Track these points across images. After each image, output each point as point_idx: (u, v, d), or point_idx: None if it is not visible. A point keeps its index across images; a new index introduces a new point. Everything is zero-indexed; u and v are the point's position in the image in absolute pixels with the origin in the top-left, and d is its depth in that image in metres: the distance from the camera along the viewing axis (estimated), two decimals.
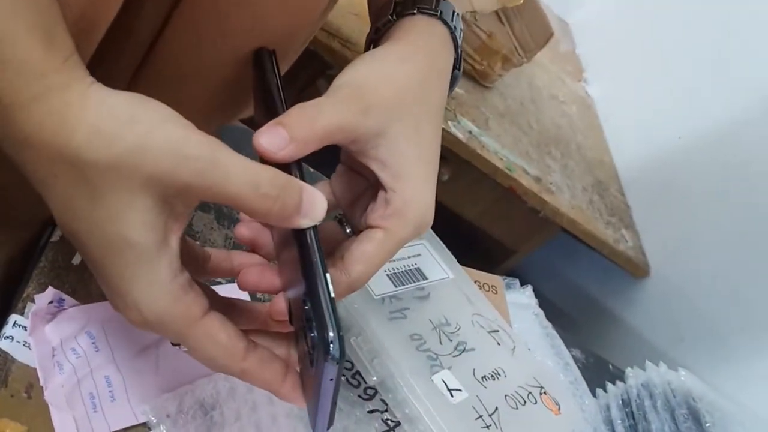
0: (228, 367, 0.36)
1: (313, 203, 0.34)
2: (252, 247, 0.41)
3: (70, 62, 0.32)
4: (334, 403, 0.35)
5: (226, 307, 0.39)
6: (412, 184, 0.40)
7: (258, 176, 0.32)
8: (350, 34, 1.04)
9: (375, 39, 0.47)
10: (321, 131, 0.36)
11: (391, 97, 0.40)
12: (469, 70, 1.32)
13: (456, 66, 0.47)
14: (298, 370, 0.39)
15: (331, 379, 0.33)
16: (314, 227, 0.35)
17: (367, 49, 0.48)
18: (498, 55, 1.29)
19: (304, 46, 0.55)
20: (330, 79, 1.28)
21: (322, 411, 0.35)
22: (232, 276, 0.41)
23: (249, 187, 0.32)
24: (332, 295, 0.34)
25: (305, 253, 0.34)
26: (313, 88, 1.21)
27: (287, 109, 0.37)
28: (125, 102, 0.32)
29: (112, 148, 0.30)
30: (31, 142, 0.31)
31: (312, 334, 0.33)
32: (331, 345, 0.32)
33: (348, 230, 0.43)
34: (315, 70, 1.17)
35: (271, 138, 0.35)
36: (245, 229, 0.40)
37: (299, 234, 0.35)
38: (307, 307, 0.33)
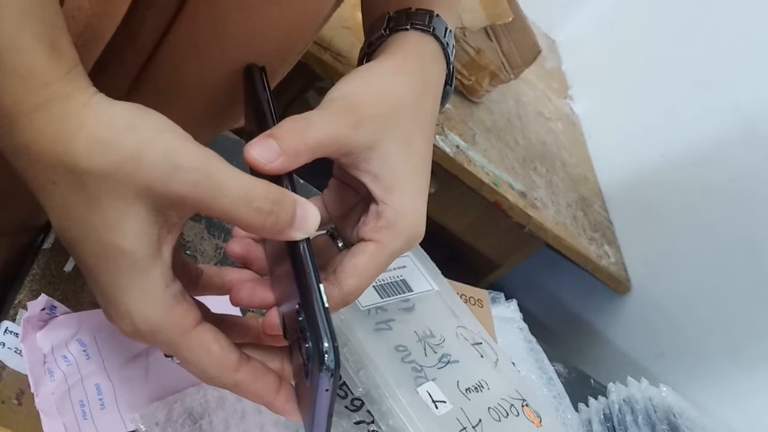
0: (220, 379, 0.36)
1: (305, 216, 0.35)
2: (244, 263, 0.42)
3: (74, 73, 0.32)
4: (330, 415, 0.35)
5: (218, 322, 0.39)
6: (403, 197, 0.41)
7: (252, 190, 0.33)
8: (341, 47, 1.05)
9: (368, 53, 0.48)
10: (312, 144, 0.37)
11: (384, 111, 0.40)
12: (457, 85, 1.33)
13: (448, 82, 0.48)
14: (293, 384, 0.39)
15: (327, 390, 0.33)
16: (307, 239, 0.36)
17: (360, 62, 0.49)
18: (486, 71, 1.30)
19: (298, 59, 0.56)
20: (320, 91, 1.29)
21: (318, 423, 0.35)
22: (223, 293, 0.41)
23: (242, 202, 0.32)
24: (326, 305, 0.34)
25: (298, 265, 0.35)
26: (303, 99, 1.22)
27: (278, 123, 0.37)
28: (125, 111, 0.32)
29: (109, 156, 0.31)
30: (31, 149, 0.31)
31: (307, 345, 0.33)
32: (326, 355, 0.32)
33: (340, 244, 0.44)
34: (305, 82, 1.18)
35: (262, 150, 0.35)
36: (237, 246, 0.41)
37: (292, 246, 0.35)
38: (301, 318, 0.34)
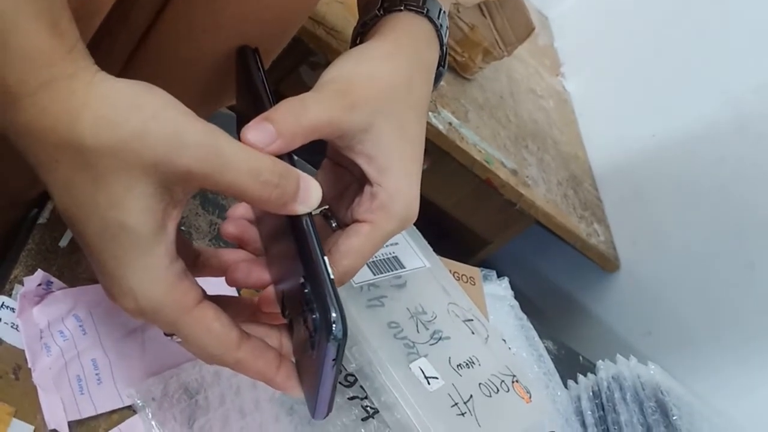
0: (222, 357, 0.36)
1: (308, 190, 0.35)
2: (239, 244, 0.42)
3: (76, 51, 0.32)
4: (334, 387, 0.36)
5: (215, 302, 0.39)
6: (397, 179, 0.41)
7: (258, 163, 0.33)
8: (335, 22, 1.05)
9: (362, 33, 0.48)
10: (308, 126, 0.37)
11: (377, 94, 0.40)
12: (451, 61, 1.33)
13: (441, 63, 0.48)
14: (293, 361, 0.39)
15: (334, 360, 0.34)
16: (309, 214, 0.36)
17: (353, 41, 0.49)
18: (479, 48, 1.30)
19: (292, 35, 0.56)
20: (313, 66, 1.28)
21: (323, 395, 0.36)
22: (220, 274, 0.41)
23: (249, 175, 0.33)
24: (332, 276, 0.34)
25: (302, 239, 0.35)
26: (296, 74, 1.21)
27: (274, 105, 0.38)
28: (129, 89, 0.32)
29: (115, 133, 0.31)
30: (34, 127, 0.31)
31: (314, 317, 0.33)
32: (334, 325, 0.33)
33: (334, 225, 0.44)
34: (298, 57, 1.17)
35: (259, 133, 0.35)
36: (231, 227, 0.41)
37: (295, 222, 0.35)
38: (306, 291, 0.34)
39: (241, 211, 0.42)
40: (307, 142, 0.37)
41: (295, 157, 0.39)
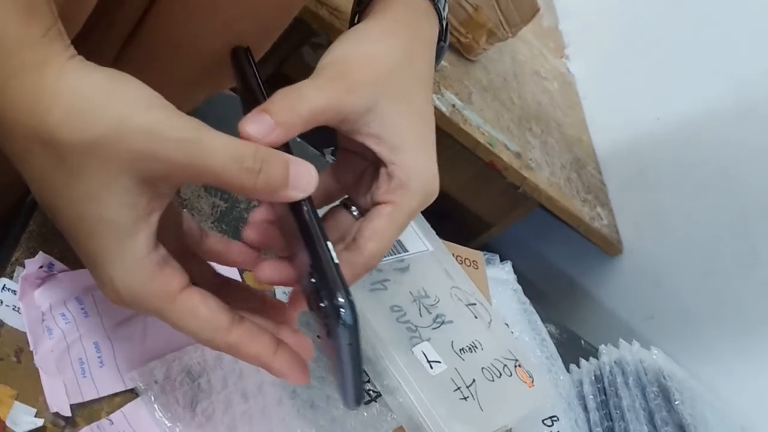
0: (214, 341, 0.36)
1: (299, 174, 0.34)
2: (265, 248, 0.41)
3: (51, 34, 0.31)
4: (359, 372, 0.35)
5: (223, 286, 0.39)
6: (410, 154, 0.41)
7: (240, 151, 0.33)
8: (338, 2, 1.03)
9: (358, 11, 0.47)
10: (305, 114, 0.36)
11: (377, 73, 0.40)
12: (455, 42, 1.32)
13: (442, 38, 0.48)
14: (322, 350, 0.39)
15: (350, 344, 0.33)
16: (309, 201, 0.36)
17: (351, 21, 0.49)
18: (483, 29, 1.28)
19: (292, 17, 0.55)
20: (315, 47, 1.27)
21: (347, 382, 0.35)
22: (223, 262, 0.41)
23: (232, 162, 0.32)
24: (336, 261, 0.34)
25: (304, 227, 0.35)
26: (298, 54, 1.20)
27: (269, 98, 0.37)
28: (103, 81, 0.31)
29: (89, 129, 0.30)
30: (4, 119, 0.31)
31: (323, 305, 0.33)
32: (342, 310, 0.32)
33: (356, 213, 0.44)
34: (300, 38, 1.16)
35: (257, 124, 0.35)
36: (253, 233, 0.40)
37: (297, 210, 0.35)
38: (314, 280, 0.34)
39: (260, 215, 0.41)
40: (307, 129, 0.37)
41: (298, 140, 0.38)
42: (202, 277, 0.38)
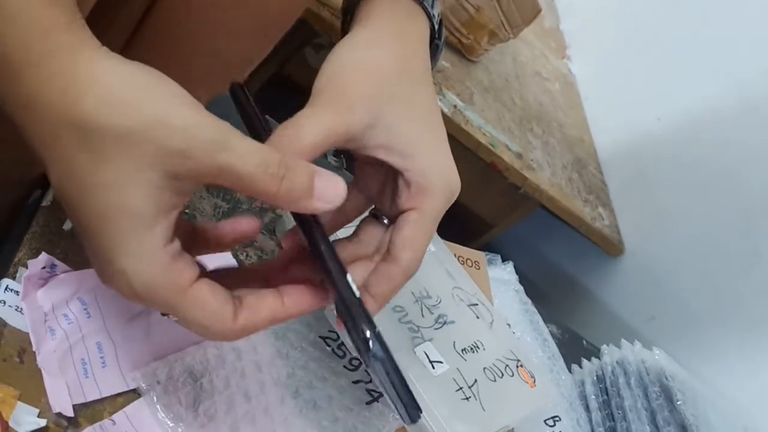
0: (224, 333, 0.36)
1: (326, 185, 0.35)
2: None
3: (76, 24, 0.32)
4: (405, 390, 0.36)
5: (215, 277, 0.39)
6: (423, 157, 0.40)
7: (266, 157, 0.33)
8: (339, 3, 1.03)
9: (345, 22, 0.47)
10: (309, 146, 0.36)
11: (372, 85, 0.40)
12: (456, 43, 1.32)
13: (436, 36, 0.47)
14: None
15: (387, 373, 0.34)
16: (322, 232, 0.36)
17: (343, 30, 0.48)
18: (485, 30, 1.29)
19: (297, 16, 0.55)
20: (317, 48, 1.26)
21: (396, 400, 0.36)
22: (218, 249, 0.41)
23: (259, 169, 0.32)
24: (357, 295, 0.35)
25: (323, 263, 0.35)
26: (300, 55, 1.20)
27: (270, 132, 0.37)
28: (140, 73, 0.32)
29: (125, 119, 0.30)
30: (36, 101, 0.31)
31: (353, 336, 0.34)
32: (371, 343, 0.33)
33: (386, 221, 0.44)
34: (302, 39, 1.16)
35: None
36: (289, 241, 0.41)
37: (314, 244, 0.36)
38: (340, 313, 0.35)
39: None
40: (313, 159, 0.37)
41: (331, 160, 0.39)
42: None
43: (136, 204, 0.32)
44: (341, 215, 0.45)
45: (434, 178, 0.40)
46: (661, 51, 1.53)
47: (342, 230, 0.47)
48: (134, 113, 0.31)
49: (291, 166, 0.34)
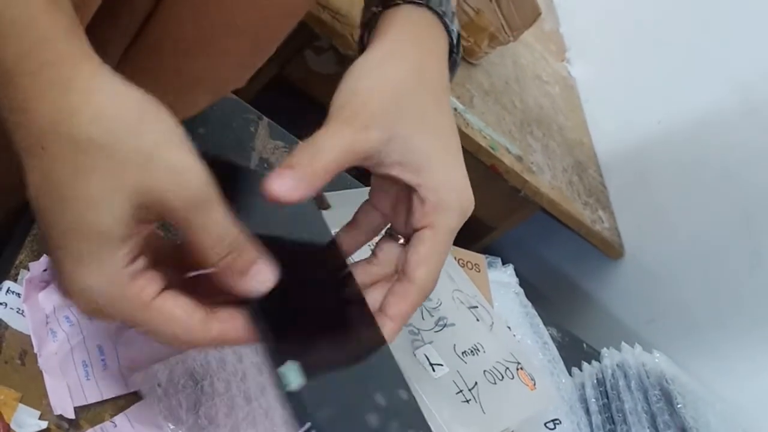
0: (194, 341, 0.35)
1: (259, 270, 0.35)
2: None
3: (76, 32, 0.32)
4: None
5: (194, 282, 0.39)
6: (437, 173, 0.40)
7: (229, 229, 0.34)
8: (340, 6, 1.04)
9: (363, 33, 0.47)
10: (328, 165, 0.37)
11: (387, 102, 0.40)
12: None
13: (454, 50, 0.47)
14: None
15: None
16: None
17: (360, 42, 0.48)
18: (485, 33, 1.29)
19: (296, 22, 0.56)
20: (317, 50, 1.26)
21: None
22: None
23: (218, 238, 0.33)
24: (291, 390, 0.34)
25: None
26: (300, 57, 1.20)
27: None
28: (136, 97, 0.32)
29: (116, 142, 0.31)
30: (28, 107, 0.31)
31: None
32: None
33: (401, 240, 0.43)
34: (302, 41, 1.17)
35: (282, 183, 0.36)
36: None
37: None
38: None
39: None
40: (333, 177, 0.37)
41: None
42: (176, 278, 0.38)
43: (107, 223, 0.32)
44: (358, 235, 0.45)
45: (447, 195, 0.40)
46: (661, 54, 1.53)
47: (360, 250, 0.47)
48: (126, 139, 0.31)
49: (240, 247, 0.34)
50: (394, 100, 0.40)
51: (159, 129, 0.32)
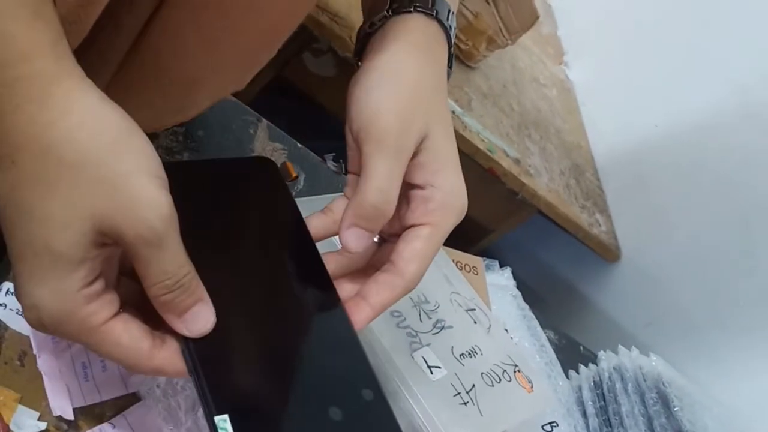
0: (139, 368, 0.35)
1: (198, 314, 0.35)
2: None
3: (60, 48, 0.31)
4: None
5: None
6: (449, 175, 0.42)
7: (181, 269, 0.34)
8: (339, 8, 1.04)
9: (369, 33, 0.47)
10: (375, 203, 0.39)
11: (412, 111, 0.41)
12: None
13: (448, 64, 0.49)
14: None
15: None
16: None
17: (359, 41, 0.49)
18: (483, 36, 1.29)
19: (297, 25, 0.56)
20: (316, 53, 1.26)
21: None
22: None
23: (165, 275, 0.33)
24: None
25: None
26: (298, 60, 1.21)
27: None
28: (114, 122, 0.32)
29: (87, 165, 0.31)
30: (3, 120, 0.31)
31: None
32: None
33: (376, 239, 0.43)
34: (301, 43, 1.17)
35: (357, 238, 0.39)
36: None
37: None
38: None
39: None
40: (391, 209, 0.40)
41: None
42: (139, 294, 0.38)
43: (65, 245, 0.32)
44: (333, 224, 0.44)
45: (452, 196, 0.41)
46: (658, 57, 1.54)
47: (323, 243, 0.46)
48: (96, 161, 0.31)
49: (187, 289, 0.34)
50: (418, 112, 0.41)
51: (130, 157, 0.32)
